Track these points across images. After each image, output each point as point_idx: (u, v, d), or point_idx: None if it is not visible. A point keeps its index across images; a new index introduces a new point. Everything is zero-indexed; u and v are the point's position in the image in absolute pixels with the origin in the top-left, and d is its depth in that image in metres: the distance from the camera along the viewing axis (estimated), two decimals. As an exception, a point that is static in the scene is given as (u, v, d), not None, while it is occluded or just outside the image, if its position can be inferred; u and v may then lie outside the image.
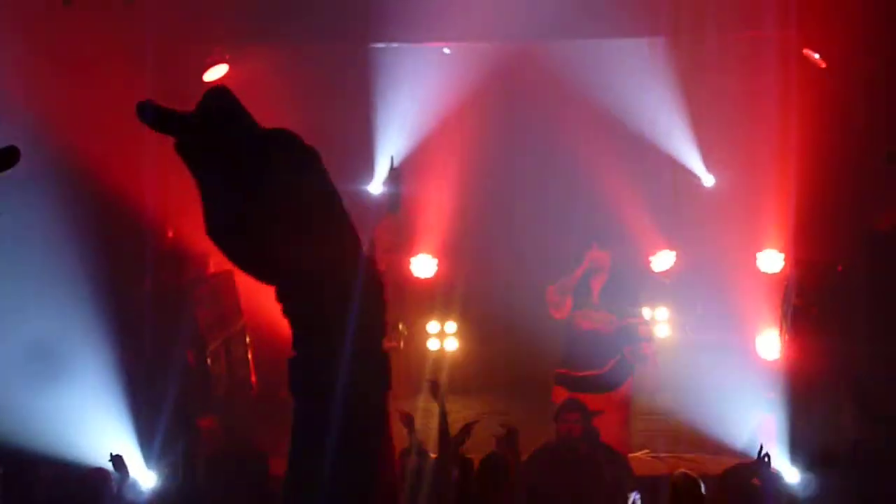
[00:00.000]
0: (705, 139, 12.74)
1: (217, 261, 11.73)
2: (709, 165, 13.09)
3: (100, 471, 7.64)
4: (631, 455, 9.61)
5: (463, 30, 10.60)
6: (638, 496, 6.77)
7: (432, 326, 13.23)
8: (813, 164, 10.74)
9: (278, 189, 1.07)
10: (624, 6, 10.57)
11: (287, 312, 1.17)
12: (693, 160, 12.93)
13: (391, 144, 13.37)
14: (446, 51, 12.20)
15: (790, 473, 8.62)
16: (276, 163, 1.07)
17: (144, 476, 8.65)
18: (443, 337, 13.25)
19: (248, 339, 12.22)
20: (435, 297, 13.08)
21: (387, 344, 3.69)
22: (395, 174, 8.15)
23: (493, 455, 7.05)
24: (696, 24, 9.68)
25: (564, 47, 12.45)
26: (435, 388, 7.66)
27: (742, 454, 10.52)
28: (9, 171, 9.96)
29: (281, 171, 1.07)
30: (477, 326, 13.34)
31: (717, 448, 11.16)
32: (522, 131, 13.25)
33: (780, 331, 11.28)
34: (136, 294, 10.72)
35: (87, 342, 9.50)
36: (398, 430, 8.21)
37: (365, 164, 13.43)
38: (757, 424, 10.75)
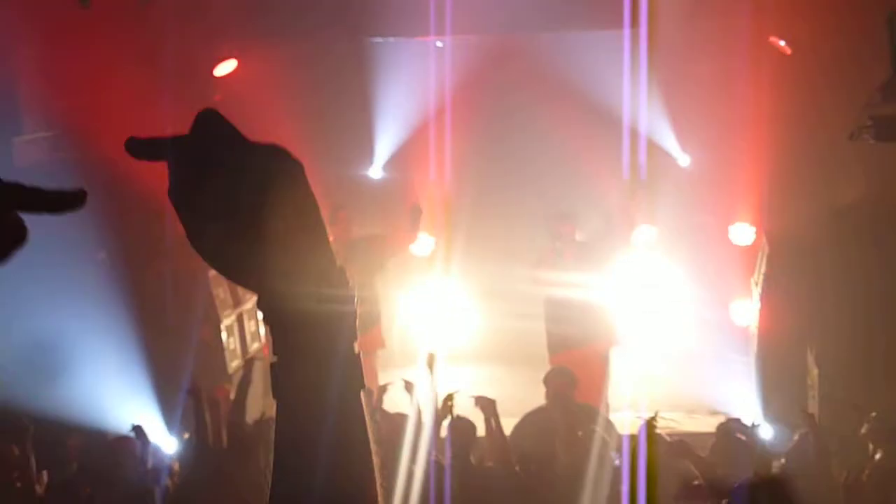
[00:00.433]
0: (680, 122, 12.79)
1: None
2: (684, 146, 13.13)
3: (124, 438, 7.70)
4: (615, 415, 9.68)
5: (455, 24, 10.61)
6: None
7: (430, 298, 13.22)
8: (781, 142, 10.76)
9: (266, 207, 1.08)
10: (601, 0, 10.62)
11: (266, 320, 1.17)
12: (669, 142, 12.98)
13: (389, 132, 13.40)
14: (439, 44, 12.20)
15: (766, 428, 8.68)
16: (268, 182, 1.07)
17: (166, 442, 8.70)
18: (441, 309, 13.26)
19: (260, 315, 12.23)
20: (434, 271, 13.09)
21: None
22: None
23: (457, 418, 7.27)
24: (669, 14, 9.69)
25: (548, 39, 12.49)
26: (430, 361, 7.83)
27: (716, 412, 10.62)
28: (39, 160, 9.98)
29: (273, 192, 1.07)
30: (474, 298, 13.38)
31: (693, 407, 11.26)
32: (509, 117, 13.31)
33: (753, 298, 11.33)
34: (155, 275, 10.76)
35: (111, 321, 9.54)
36: (400, 397, 8.37)
37: (365, 151, 13.46)
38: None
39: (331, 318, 1.36)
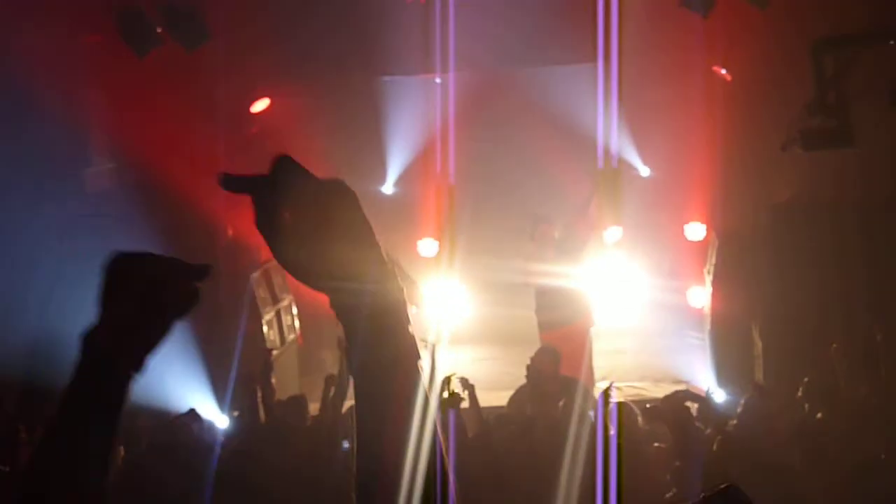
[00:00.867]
0: (641, 139, 12.85)
1: (268, 251, 11.77)
2: (645, 159, 13.19)
3: (183, 418, 7.71)
4: (595, 386, 9.70)
5: (453, 60, 10.66)
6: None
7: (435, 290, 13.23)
8: (726, 153, 10.81)
9: (332, 228, 1.13)
10: (565, 39, 10.68)
11: (338, 317, 1.21)
12: (632, 156, 13.05)
13: (398, 154, 13.47)
14: (437, 80, 12.25)
15: (717, 396, 8.69)
16: (332, 210, 1.13)
17: (218, 420, 8.71)
18: (445, 299, 13.26)
19: (294, 310, 12.27)
20: (438, 269, 13.12)
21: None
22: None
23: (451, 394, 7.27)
24: (630, 49, 9.72)
25: (531, 73, 12.55)
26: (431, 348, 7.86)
27: (678, 381, 10.65)
28: (106, 188, 9.99)
29: (336, 216, 1.12)
30: (472, 290, 13.40)
31: (659, 377, 11.29)
32: (498, 141, 13.40)
33: (706, 285, 11.36)
34: (209, 281, 10.77)
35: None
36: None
37: (378, 170, 13.52)
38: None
39: (387, 307, 1.44)
